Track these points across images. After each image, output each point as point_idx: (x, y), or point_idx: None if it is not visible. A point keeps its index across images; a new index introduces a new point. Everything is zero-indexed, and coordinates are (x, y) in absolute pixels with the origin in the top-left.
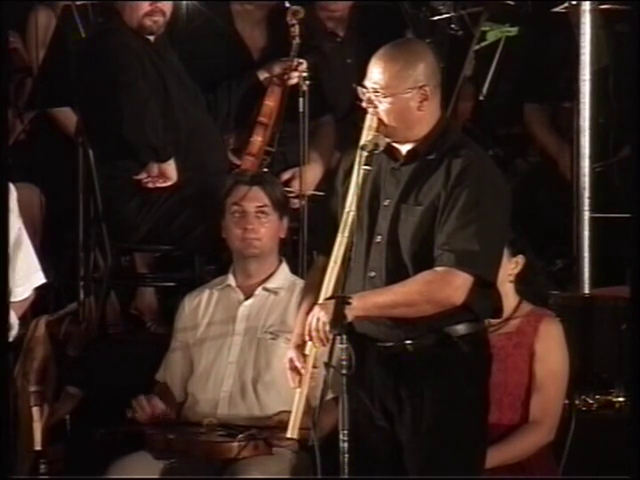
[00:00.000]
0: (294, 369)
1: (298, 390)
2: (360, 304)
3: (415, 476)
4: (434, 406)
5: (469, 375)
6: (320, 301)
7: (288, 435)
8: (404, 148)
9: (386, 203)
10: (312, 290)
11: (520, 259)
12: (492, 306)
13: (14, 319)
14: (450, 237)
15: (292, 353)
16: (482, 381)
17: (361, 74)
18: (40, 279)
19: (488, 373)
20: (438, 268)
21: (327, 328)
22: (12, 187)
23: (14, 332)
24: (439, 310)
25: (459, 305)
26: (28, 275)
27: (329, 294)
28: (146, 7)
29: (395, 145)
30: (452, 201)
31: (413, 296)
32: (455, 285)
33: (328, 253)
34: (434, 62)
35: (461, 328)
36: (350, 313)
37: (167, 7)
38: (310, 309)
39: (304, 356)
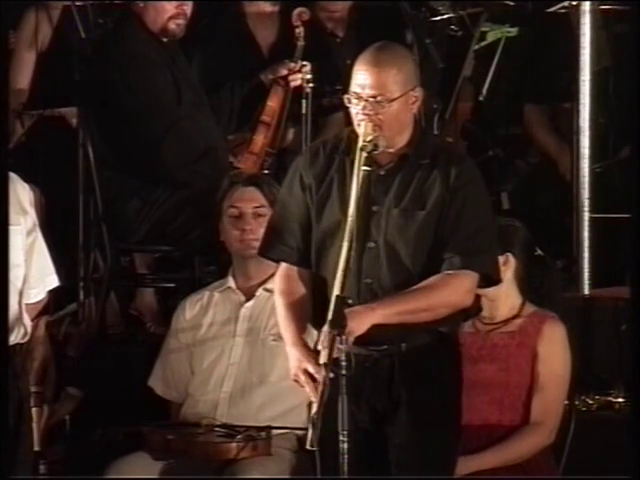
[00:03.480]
0: (312, 380)
1: (315, 401)
2: (381, 311)
3: (413, 476)
4: (429, 404)
5: (455, 372)
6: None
7: (307, 447)
8: (389, 153)
9: (375, 209)
10: (291, 298)
11: (511, 258)
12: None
13: (27, 321)
14: (457, 240)
15: (308, 366)
16: (460, 377)
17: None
18: (54, 282)
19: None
20: (450, 271)
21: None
22: (28, 188)
23: (22, 332)
24: (452, 312)
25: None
26: (42, 278)
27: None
28: (172, 10)
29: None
30: (455, 204)
31: (432, 300)
32: (466, 287)
33: (293, 261)
34: (416, 63)
35: (451, 326)
36: (371, 320)
37: (189, 9)
38: (301, 319)
39: (319, 366)
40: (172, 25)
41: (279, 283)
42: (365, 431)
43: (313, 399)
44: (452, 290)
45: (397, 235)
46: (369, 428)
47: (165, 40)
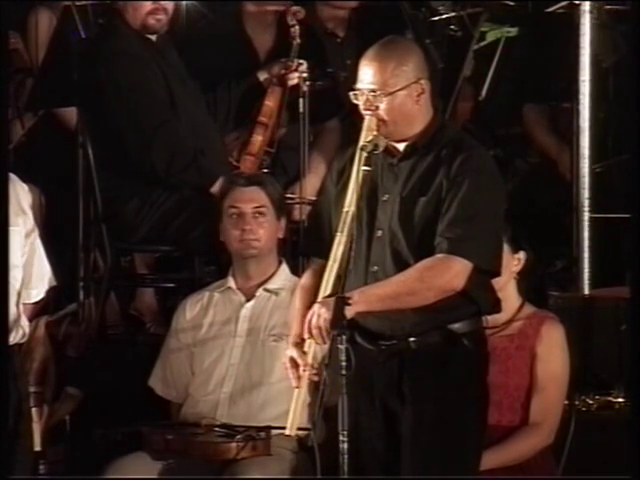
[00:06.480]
0: (295, 367)
1: (296, 389)
2: (362, 298)
3: (415, 476)
4: (437, 403)
5: (472, 372)
6: (320, 299)
7: (286, 433)
8: (401, 145)
9: (385, 198)
10: (308, 291)
11: (522, 255)
12: (490, 298)
13: (25, 322)
14: (450, 225)
15: (293, 352)
16: (483, 378)
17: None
18: (52, 281)
19: (487, 371)
20: (437, 255)
21: (328, 325)
22: (27, 189)
23: (21, 333)
24: (441, 297)
25: (460, 294)
26: (42, 277)
27: (328, 292)
28: (149, 6)
29: (392, 143)
30: (453, 191)
31: (414, 284)
32: (454, 270)
33: (323, 255)
34: (422, 56)
35: (464, 325)
36: (352, 309)
37: (169, 5)
38: (307, 309)
39: (305, 354)
40: (151, 21)
41: (304, 277)
42: (378, 430)
43: (294, 384)
44: (437, 273)
45: (400, 222)
46: (383, 427)
47: (152, 37)
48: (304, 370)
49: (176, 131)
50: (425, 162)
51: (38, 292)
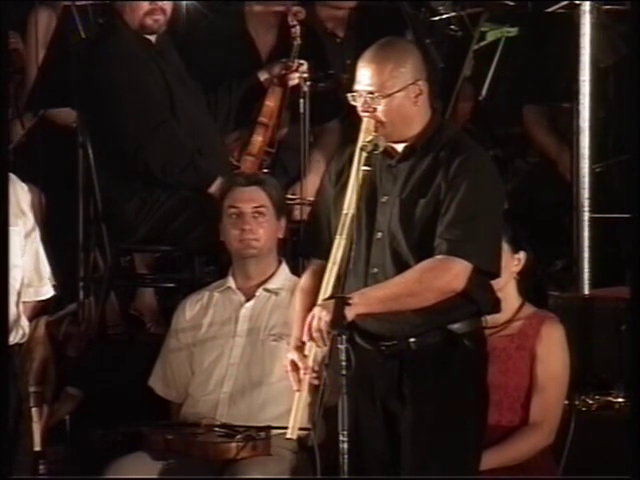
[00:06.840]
0: (296, 371)
1: (297, 392)
2: (362, 300)
3: (415, 476)
4: (437, 404)
5: (471, 372)
6: (319, 301)
7: (287, 436)
8: (400, 145)
9: (384, 200)
10: (308, 293)
11: (522, 255)
12: (490, 298)
13: (24, 322)
14: (449, 227)
15: (293, 355)
16: (483, 378)
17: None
18: (51, 280)
19: (487, 371)
20: (437, 256)
21: (328, 328)
22: (26, 189)
23: (20, 333)
24: (441, 298)
25: (460, 295)
26: (48, 275)
27: (328, 295)
28: (146, 6)
29: (390, 144)
30: (452, 192)
31: (414, 285)
32: (454, 272)
33: (322, 256)
34: (421, 57)
35: (463, 325)
36: (352, 311)
37: (167, 5)
38: (307, 312)
39: (305, 357)
40: (149, 21)
41: (303, 280)
42: (378, 430)
43: (295, 388)
44: (436, 274)
45: (399, 224)
46: (383, 427)
47: (151, 38)
48: (305, 373)
49: (174, 132)
50: (424, 163)
51: (48, 289)
